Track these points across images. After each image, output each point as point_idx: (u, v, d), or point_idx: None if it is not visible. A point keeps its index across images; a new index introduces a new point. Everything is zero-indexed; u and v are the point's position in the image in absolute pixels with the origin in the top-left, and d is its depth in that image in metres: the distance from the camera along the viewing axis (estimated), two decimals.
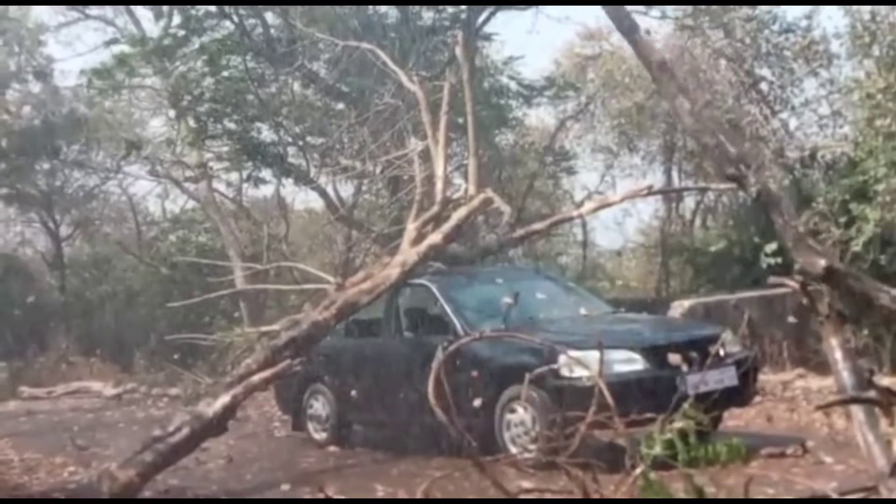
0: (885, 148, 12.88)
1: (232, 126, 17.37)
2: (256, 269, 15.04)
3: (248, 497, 7.73)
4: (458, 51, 11.65)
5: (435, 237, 9.39)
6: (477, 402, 7.94)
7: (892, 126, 12.71)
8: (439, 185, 9.78)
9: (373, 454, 9.25)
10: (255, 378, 7.77)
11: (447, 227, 9.41)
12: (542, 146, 19.66)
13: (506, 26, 28.36)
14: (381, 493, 7.32)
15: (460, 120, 16.35)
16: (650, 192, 9.64)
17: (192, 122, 17.79)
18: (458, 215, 9.47)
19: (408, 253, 9.33)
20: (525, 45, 24.58)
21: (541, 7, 16.76)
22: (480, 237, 12.10)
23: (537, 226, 10.97)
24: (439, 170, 9.85)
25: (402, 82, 11.68)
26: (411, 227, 9.69)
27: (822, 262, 7.61)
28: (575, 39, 21.25)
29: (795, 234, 8.48)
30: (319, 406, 10.07)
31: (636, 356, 7.75)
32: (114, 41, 18.29)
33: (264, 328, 11.94)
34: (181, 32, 16.76)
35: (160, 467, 7.15)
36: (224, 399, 7.49)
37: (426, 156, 10.59)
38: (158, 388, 15.13)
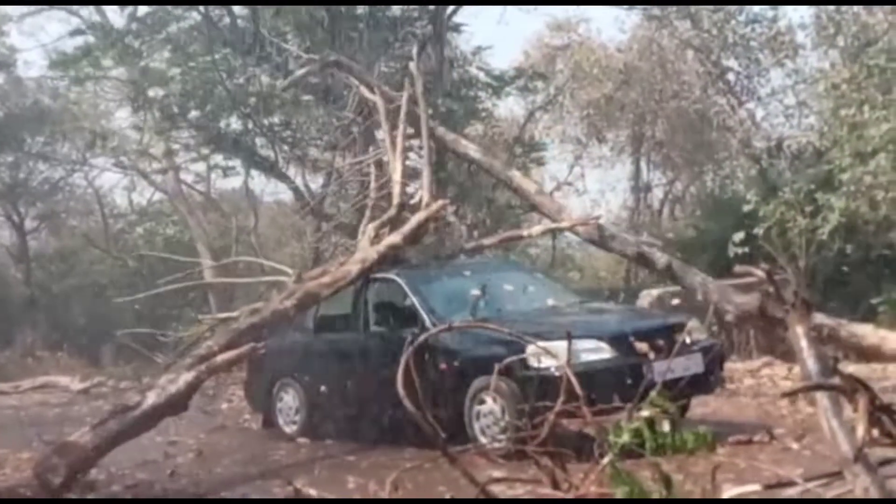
0: (850, 138, 13.02)
1: (199, 116, 17.22)
2: (218, 264, 14.97)
3: (229, 495, 7.67)
4: (412, 66, 11.98)
5: (394, 237, 9.68)
6: (445, 394, 7.96)
7: (856, 116, 12.85)
8: (396, 190, 10.19)
9: (343, 446, 9.23)
10: (219, 359, 7.84)
11: (406, 228, 9.74)
12: (511, 137, 19.69)
13: (475, 17, 28.38)
14: (351, 484, 7.31)
15: (429, 111, 16.39)
16: (596, 221, 9.99)
17: (158, 113, 17.62)
18: (416, 218, 9.82)
19: (368, 251, 9.56)
20: (494, 35, 24.53)
21: None
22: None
23: (487, 241, 11.39)
24: (396, 175, 10.27)
25: (415, 58, 12.17)
26: (370, 228, 10.05)
27: (755, 300, 7.78)
28: (544, 30, 21.32)
29: (717, 287, 8.64)
30: (290, 399, 10.03)
31: (603, 345, 7.79)
32: (79, 32, 18.05)
33: (222, 315, 11.94)
34: (147, 23, 16.60)
35: (119, 440, 7.19)
36: (187, 377, 7.53)
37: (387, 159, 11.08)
38: (126, 381, 14.99)
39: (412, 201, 10.39)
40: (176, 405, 7.55)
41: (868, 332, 8.63)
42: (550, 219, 10.43)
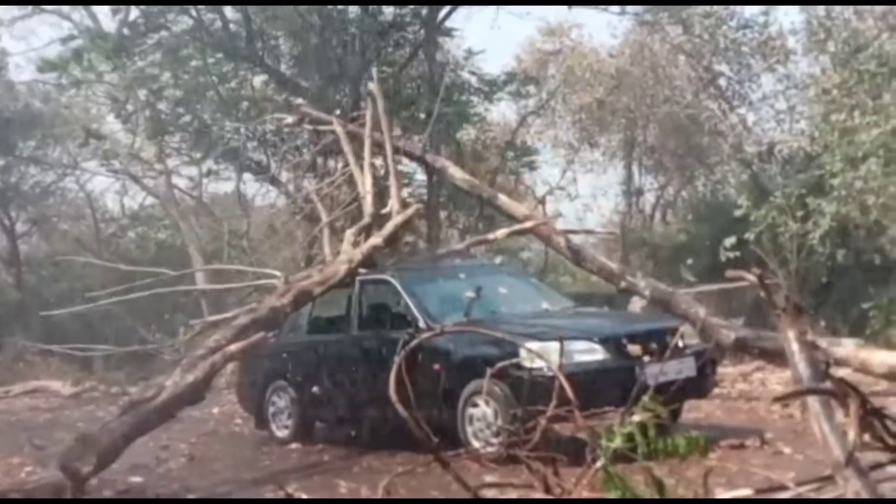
0: (841, 143, 13.06)
1: (191, 121, 17.21)
2: (203, 268, 15.01)
3: (222, 497, 7.66)
4: (372, 86, 12.55)
5: (376, 239, 10.06)
6: (438, 397, 7.96)
7: (847, 121, 12.89)
8: (368, 200, 10.88)
9: (335, 451, 9.21)
10: (232, 348, 8.11)
11: (386, 231, 10.23)
12: (503, 142, 19.70)
13: (467, 21, 28.43)
14: (343, 489, 7.30)
15: (421, 115, 16.41)
16: (553, 220, 11.40)
17: (149, 118, 17.59)
18: (394, 221, 10.37)
19: (352, 252, 9.89)
20: (487, 40, 24.62)
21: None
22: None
23: (456, 246, 12.07)
24: (367, 186, 10.99)
25: (361, 81, 12.81)
26: (349, 234, 10.60)
27: (732, 335, 7.84)
28: (536, 35, 21.36)
29: (700, 320, 8.71)
30: (282, 403, 10.02)
31: (597, 346, 7.80)
32: (71, 38, 18.01)
33: (213, 318, 12.03)
34: (139, 27, 16.58)
35: (143, 430, 7.39)
36: (203, 366, 7.80)
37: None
38: (117, 386, 14.94)
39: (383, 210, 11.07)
40: (194, 394, 7.85)
41: (850, 355, 8.66)
42: (539, 236, 10.77)
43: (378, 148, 11.69)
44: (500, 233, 11.38)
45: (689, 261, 15.27)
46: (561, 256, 11.54)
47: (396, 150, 12.57)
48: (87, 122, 20.69)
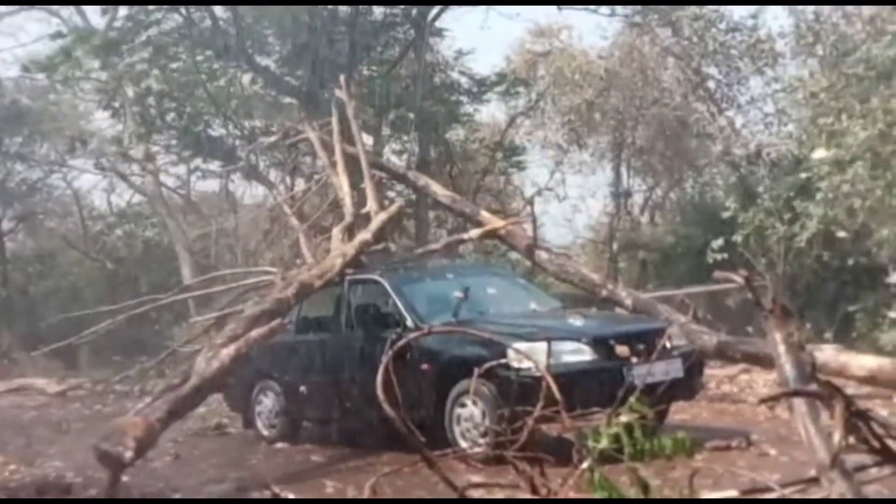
0: (829, 146, 13.10)
1: (179, 119, 17.14)
2: (205, 278, 15.12)
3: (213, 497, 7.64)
4: (340, 93, 13.01)
5: (365, 234, 10.45)
6: (427, 397, 7.96)
7: (834, 124, 12.94)
8: (347, 201, 11.48)
9: (322, 450, 9.20)
10: (253, 334, 8.36)
11: (373, 226, 10.65)
12: (492, 142, 19.70)
13: (457, 22, 28.42)
14: (330, 489, 7.29)
15: (410, 115, 16.41)
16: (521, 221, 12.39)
17: (138, 115, 17.51)
18: (379, 218, 10.84)
19: (344, 247, 10.21)
20: (476, 41, 24.63)
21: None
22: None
23: (433, 245, 12.30)
24: (345, 188, 11.62)
25: (342, 84, 13.03)
26: (336, 232, 11.02)
27: (714, 340, 7.89)
28: (526, 36, 21.35)
29: (682, 326, 8.79)
30: (269, 403, 9.99)
31: (584, 347, 7.82)
32: (59, 35, 17.92)
33: (214, 314, 12.23)
34: (128, 24, 16.51)
35: (174, 416, 7.51)
36: (228, 351, 8.09)
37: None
38: (104, 384, 14.87)
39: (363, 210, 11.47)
40: (222, 379, 8.29)
41: (829, 358, 8.71)
42: (517, 249, 11.47)
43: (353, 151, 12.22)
44: (473, 233, 11.63)
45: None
46: None
47: (380, 168, 13.22)
48: (74, 119, 20.61)
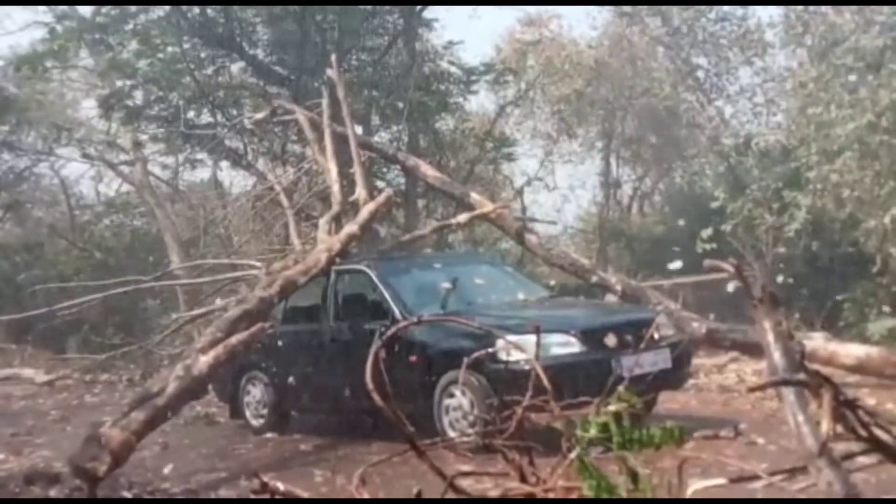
0: (817, 136, 13.14)
1: (167, 107, 17.05)
2: (188, 265, 15.03)
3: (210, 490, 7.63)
4: (331, 72, 12.71)
5: (352, 227, 10.20)
6: (415, 388, 7.96)
7: (823, 115, 12.97)
8: (335, 188, 11.19)
9: (310, 440, 9.19)
10: (233, 339, 8.24)
11: (360, 218, 10.39)
12: (482, 132, 19.68)
13: (447, 10, 28.27)
14: (318, 478, 7.28)
15: (400, 105, 16.35)
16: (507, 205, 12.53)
17: (125, 104, 17.42)
18: (367, 209, 10.57)
19: (330, 241, 9.98)
20: (466, 30, 24.55)
21: None
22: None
23: (419, 232, 12.42)
24: (333, 175, 11.32)
25: (333, 66, 12.72)
26: (322, 222, 10.80)
27: (703, 327, 7.91)
28: (515, 25, 21.32)
29: (672, 314, 8.85)
30: (257, 393, 9.98)
31: (573, 339, 7.81)
32: (46, 25, 17.79)
33: (198, 311, 12.09)
34: (114, 12, 16.40)
35: (153, 425, 7.45)
36: (206, 359, 7.95)
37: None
38: (92, 374, 14.83)
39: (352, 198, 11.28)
40: (198, 388, 8.17)
41: (818, 347, 8.78)
42: (507, 233, 11.60)
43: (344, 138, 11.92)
44: (462, 217, 11.60)
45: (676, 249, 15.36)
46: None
47: (369, 148, 13.01)
48: (61, 108, 20.47)
